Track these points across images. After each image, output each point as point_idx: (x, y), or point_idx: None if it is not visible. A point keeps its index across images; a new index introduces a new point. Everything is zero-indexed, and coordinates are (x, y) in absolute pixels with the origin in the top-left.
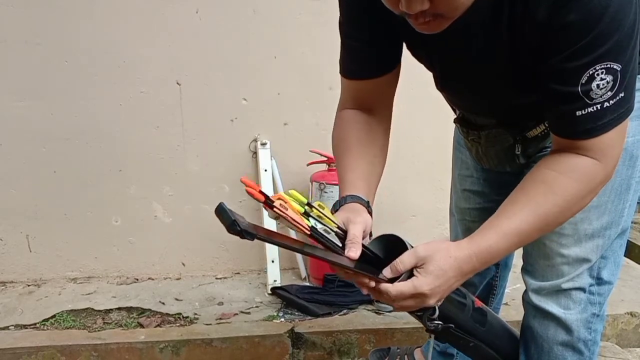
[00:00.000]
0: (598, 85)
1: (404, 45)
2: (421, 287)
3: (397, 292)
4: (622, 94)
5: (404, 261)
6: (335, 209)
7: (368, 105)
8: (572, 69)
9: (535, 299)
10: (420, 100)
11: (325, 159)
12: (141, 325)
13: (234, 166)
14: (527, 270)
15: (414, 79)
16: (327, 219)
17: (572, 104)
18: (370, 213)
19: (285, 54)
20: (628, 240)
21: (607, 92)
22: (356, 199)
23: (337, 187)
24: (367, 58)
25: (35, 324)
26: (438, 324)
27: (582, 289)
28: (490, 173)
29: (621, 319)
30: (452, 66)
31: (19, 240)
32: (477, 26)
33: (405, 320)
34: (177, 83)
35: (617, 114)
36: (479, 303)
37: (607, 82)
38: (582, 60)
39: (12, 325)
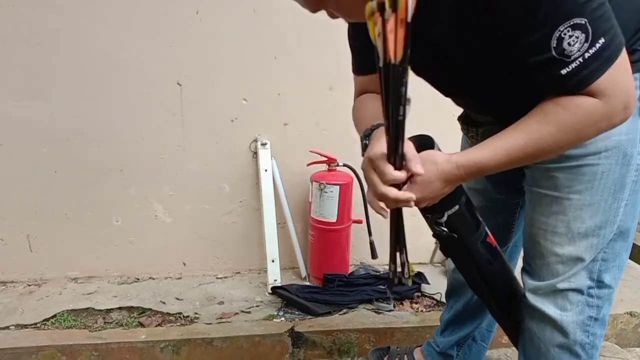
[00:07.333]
0: (569, 43)
1: None
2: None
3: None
4: (601, 40)
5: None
6: (366, 141)
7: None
8: (537, 40)
9: (533, 299)
10: (420, 100)
11: (325, 159)
12: (142, 325)
13: (234, 166)
14: (525, 270)
15: (414, 79)
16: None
17: (554, 66)
18: None
19: (285, 54)
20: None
21: (583, 45)
22: (377, 126)
23: (337, 187)
24: (366, 55)
25: (35, 323)
26: (443, 230)
27: (580, 291)
28: None
29: (621, 319)
30: (426, 58)
31: (19, 240)
32: (440, 14)
33: (405, 320)
34: (178, 83)
35: (603, 59)
36: (493, 241)
37: (577, 37)
38: (542, 31)
39: (12, 325)
